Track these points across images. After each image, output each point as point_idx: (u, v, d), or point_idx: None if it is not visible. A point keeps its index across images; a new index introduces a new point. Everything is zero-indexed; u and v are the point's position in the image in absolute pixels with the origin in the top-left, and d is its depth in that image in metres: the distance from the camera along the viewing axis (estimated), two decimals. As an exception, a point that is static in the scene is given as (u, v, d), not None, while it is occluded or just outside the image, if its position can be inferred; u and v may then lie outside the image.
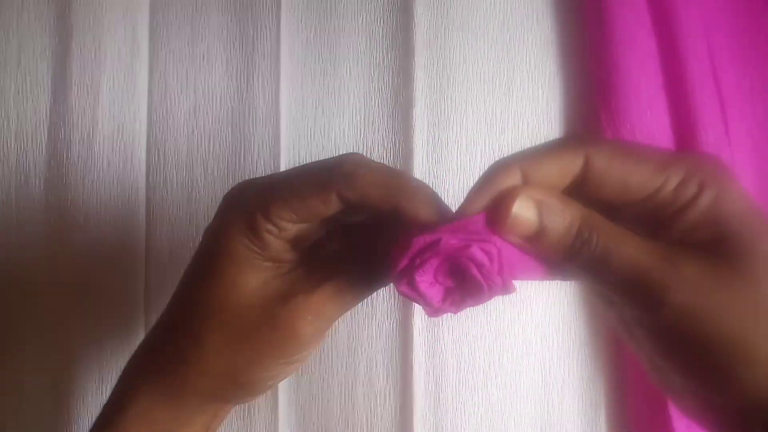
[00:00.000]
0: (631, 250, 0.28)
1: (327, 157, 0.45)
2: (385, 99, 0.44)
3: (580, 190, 0.29)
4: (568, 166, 0.29)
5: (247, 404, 0.42)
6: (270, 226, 0.30)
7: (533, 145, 0.30)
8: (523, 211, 0.28)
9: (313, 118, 0.44)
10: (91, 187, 0.43)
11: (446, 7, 0.44)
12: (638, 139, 0.43)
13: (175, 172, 0.43)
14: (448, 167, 0.44)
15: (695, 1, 0.44)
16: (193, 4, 0.44)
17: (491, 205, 0.29)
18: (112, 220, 0.43)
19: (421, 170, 0.44)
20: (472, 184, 0.45)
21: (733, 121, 0.44)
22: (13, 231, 0.43)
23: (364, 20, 0.44)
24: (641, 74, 0.43)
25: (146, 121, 0.44)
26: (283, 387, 0.43)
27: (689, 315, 0.27)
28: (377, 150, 0.44)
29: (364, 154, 0.44)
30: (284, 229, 0.30)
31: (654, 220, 0.29)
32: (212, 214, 0.43)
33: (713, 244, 0.28)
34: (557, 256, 0.29)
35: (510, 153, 0.30)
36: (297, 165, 0.44)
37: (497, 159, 0.30)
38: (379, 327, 0.43)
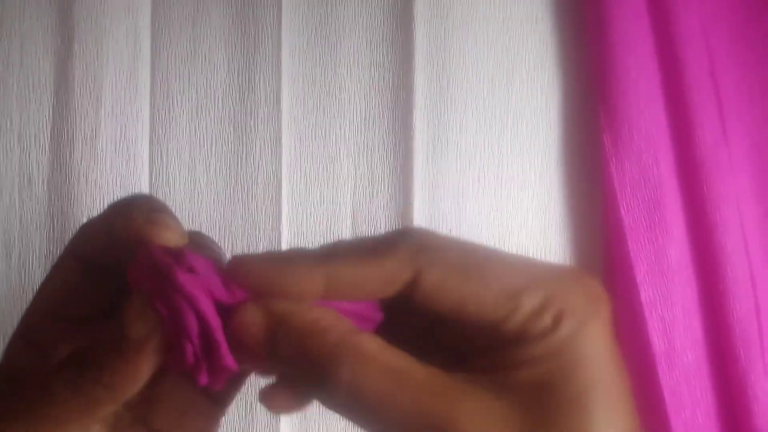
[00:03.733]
0: (393, 404, 0.23)
1: (327, 156, 0.45)
2: (385, 99, 0.44)
3: (407, 300, 0.24)
4: (390, 280, 0.23)
5: (248, 403, 0.43)
6: None
7: (357, 239, 0.25)
8: (248, 323, 0.24)
9: (314, 118, 0.44)
10: (94, 187, 0.43)
11: (446, 8, 0.45)
12: (637, 139, 0.43)
13: (177, 172, 0.44)
14: (448, 167, 0.44)
15: (694, 1, 0.44)
16: (194, 5, 0.44)
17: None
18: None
19: (421, 171, 0.44)
20: (471, 186, 0.45)
21: (731, 121, 0.44)
22: (16, 232, 0.43)
23: (364, 21, 0.45)
24: (640, 74, 0.43)
25: (148, 122, 0.44)
26: (284, 385, 0.43)
27: None
28: (378, 150, 0.44)
29: (364, 154, 0.44)
30: None
31: (492, 343, 0.24)
32: (214, 213, 0.43)
33: (536, 394, 0.23)
34: (299, 386, 0.25)
35: (330, 244, 0.25)
36: (297, 166, 0.44)
37: (297, 251, 0.25)
38: (379, 326, 0.43)
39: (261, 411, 0.43)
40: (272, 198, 0.44)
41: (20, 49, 0.44)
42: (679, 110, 0.43)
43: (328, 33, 0.44)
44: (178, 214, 0.44)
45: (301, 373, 0.24)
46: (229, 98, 0.44)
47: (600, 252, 0.44)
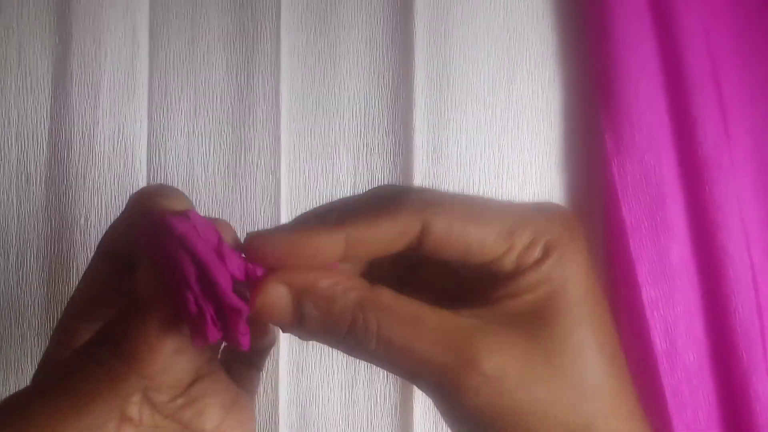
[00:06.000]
0: (419, 344, 0.24)
1: (326, 156, 0.45)
2: (385, 99, 0.44)
3: (415, 252, 0.26)
4: (402, 233, 0.25)
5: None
6: None
7: (363, 199, 0.27)
8: (274, 299, 0.25)
9: (313, 117, 0.44)
10: (91, 187, 0.43)
11: (446, 7, 0.44)
12: (639, 139, 0.43)
13: (175, 171, 0.43)
14: (448, 167, 0.44)
15: (696, 1, 0.44)
16: (193, 4, 0.44)
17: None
18: (113, 220, 0.43)
19: (421, 170, 0.44)
20: (471, 186, 0.45)
21: (733, 121, 0.44)
22: (14, 231, 0.43)
23: (364, 20, 0.44)
24: (641, 74, 0.43)
25: (146, 121, 0.44)
26: (284, 387, 0.43)
27: (488, 415, 0.25)
28: (377, 150, 0.44)
29: (364, 153, 0.44)
30: None
31: (491, 279, 0.26)
32: (211, 213, 0.43)
33: (534, 317, 0.25)
34: (329, 343, 0.26)
35: (337, 207, 0.26)
36: (296, 165, 0.44)
37: (316, 212, 0.26)
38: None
39: (261, 412, 0.43)
40: (271, 197, 0.43)
41: (18, 48, 0.44)
42: (681, 110, 0.43)
43: (327, 32, 0.44)
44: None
45: (330, 332, 0.25)
46: (228, 97, 0.44)
47: (602, 252, 0.44)
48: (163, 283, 0.24)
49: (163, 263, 0.24)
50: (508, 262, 0.26)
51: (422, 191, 0.27)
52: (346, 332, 0.25)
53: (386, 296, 0.25)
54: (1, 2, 0.44)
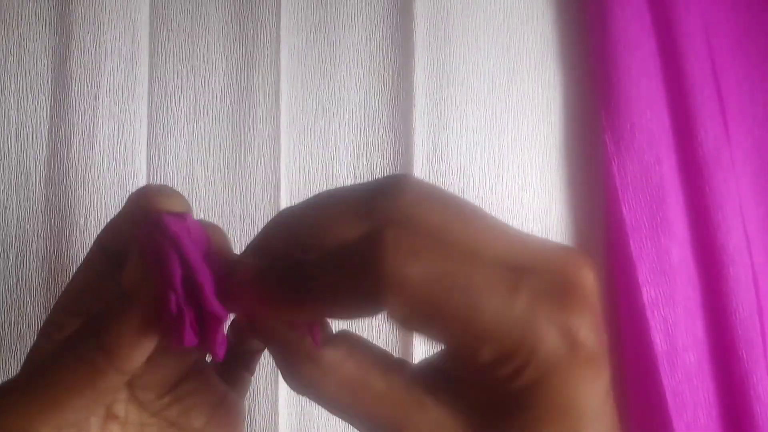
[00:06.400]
0: (357, 411, 0.24)
1: (326, 156, 0.44)
2: (385, 99, 0.44)
3: None
4: (364, 309, 0.22)
5: (246, 404, 0.42)
6: None
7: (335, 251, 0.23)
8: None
9: (313, 117, 0.44)
10: (91, 187, 0.43)
11: (446, 7, 0.44)
12: (639, 139, 0.43)
13: (175, 171, 0.43)
14: (448, 167, 0.44)
15: (696, 1, 0.44)
16: (192, 3, 0.44)
17: None
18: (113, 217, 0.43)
19: (421, 170, 0.44)
20: (471, 186, 0.45)
21: (733, 120, 0.44)
22: (13, 231, 0.43)
23: (364, 20, 0.44)
24: (641, 74, 0.43)
25: (146, 120, 0.44)
26: (283, 387, 0.43)
27: None
28: (377, 150, 0.44)
29: (364, 153, 0.44)
30: None
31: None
32: (211, 213, 0.43)
33: (490, 423, 0.23)
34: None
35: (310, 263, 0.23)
36: (296, 165, 0.44)
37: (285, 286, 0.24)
38: (378, 327, 0.43)
39: (261, 412, 0.43)
40: (271, 197, 0.43)
41: (18, 47, 0.44)
42: (681, 109, 0.43)
43: (327, 32, 0.44)
44: (176, 214, 0.44)
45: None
46: (228, 97, 0.44)
47: (602, 252, 0.44)
48: (149, 280, 0.24)
49: (153, 261, 0.24)
50: (470, 367, 0.23)
51: (396, 248, 0.21)
52: (282, 372, 0.25)
53: (332, 355, 0.24)
54: (1, 2, 0.44)
